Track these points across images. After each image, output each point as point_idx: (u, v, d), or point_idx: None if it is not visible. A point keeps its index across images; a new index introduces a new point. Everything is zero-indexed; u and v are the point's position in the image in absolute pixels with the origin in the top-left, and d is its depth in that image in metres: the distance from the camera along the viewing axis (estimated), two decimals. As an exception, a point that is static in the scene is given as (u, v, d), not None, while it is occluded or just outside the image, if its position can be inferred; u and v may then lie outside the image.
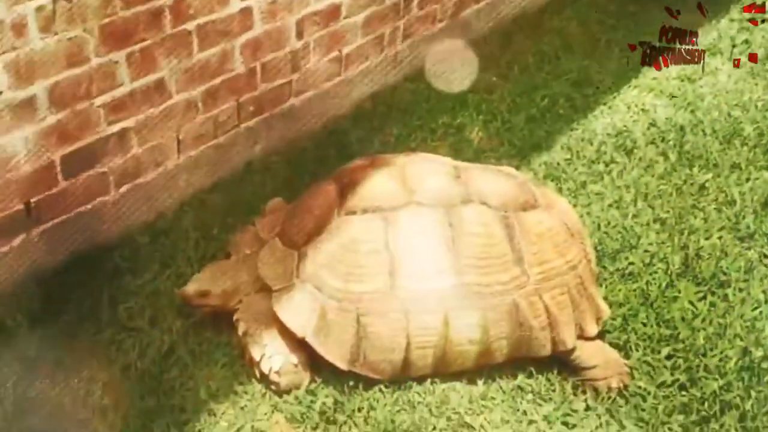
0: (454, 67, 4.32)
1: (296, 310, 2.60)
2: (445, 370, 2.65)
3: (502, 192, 2.76)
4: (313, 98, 3.81)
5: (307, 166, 3.67)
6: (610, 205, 3.55)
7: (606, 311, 2.80)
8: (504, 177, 2.87)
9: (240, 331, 2.69)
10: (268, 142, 3.67)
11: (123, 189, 3.13)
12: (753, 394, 2.68)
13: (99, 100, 2.89)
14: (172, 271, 3.06)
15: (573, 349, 2.68)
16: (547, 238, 2.69)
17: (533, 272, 2.63)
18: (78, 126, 2.87)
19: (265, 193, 3.49)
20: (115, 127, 2.99)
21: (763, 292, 3.11)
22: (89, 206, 3.04)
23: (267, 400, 2.63)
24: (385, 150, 3.81)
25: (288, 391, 2.63)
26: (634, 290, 3.08)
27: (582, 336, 2.70)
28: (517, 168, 3.78)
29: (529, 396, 2.67)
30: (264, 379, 2.63)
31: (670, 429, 2.59)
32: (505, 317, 2.59)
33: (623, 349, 2.85)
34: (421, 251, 2.58)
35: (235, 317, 2.73)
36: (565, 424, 2.59)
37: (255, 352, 2.63)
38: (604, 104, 4.31)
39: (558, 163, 3.82)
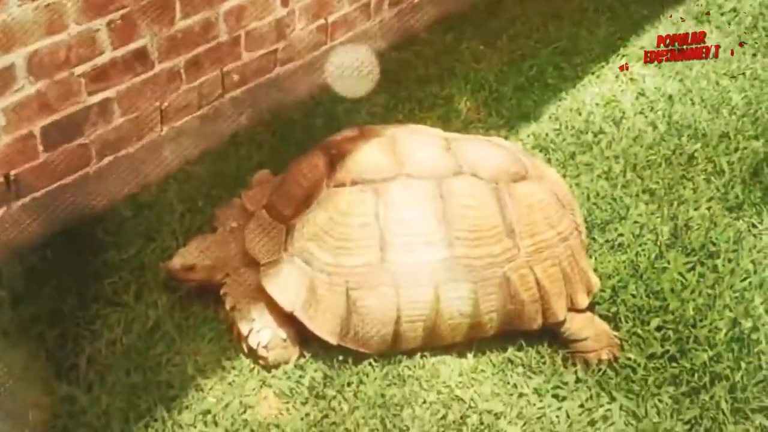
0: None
1: (285, 285, 2.57)
2: (435, 343, 2.63)
3: (493, 163, 2.72)
4: (299, 68, 3.74)
5: (293, 137, 3.62)
6: (599, 176, 3.52)
7: (596, 283, 2.78)
8: (494, 148, 2.83)
9: (227, 306, 2.65)
10: (254, 112, 3.61)
11: (105, 161, 3.07)
12: (743, 365, 2.67)
13: (79, 69, 2.82)
14: (157, 244, 3.01)
15: (563, 322, 2.66)
16: (538, 209, 2.66)
17: (524, 244, 2.60)
18: (58, 96, 2.80)
19: (251, 164, 3.44)
20: (97, 98, 2.93)
21: (752, 262, 3.10)
22: (71, 179, 2.98)
23: (255, 375, 2.60)
24: (373, 120, 3.76)
25: (276, 366, 2.60)
26: (624, 261, 3.06)
27: (573, 308, 2.68)
28: (506, 139, 3.74)
29: (519, 369, 2.65)
30: (252, 354, 2.60)
31: (660, 401, 2.58)
32: (496, 290, 2.57)
33: (613, 320, 2.83)
34: (412, 224, 2.55)
35: (222, 291, 2.69)
36: (555, 396, 2.57)
37: (243, 327, 2.59)
38: (593, 73, 4.26)
39: (546, 134, 3.78)
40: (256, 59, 3.50)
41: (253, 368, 2.62)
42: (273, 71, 3.63)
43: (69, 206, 3.00)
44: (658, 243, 3.16)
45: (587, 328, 2.68)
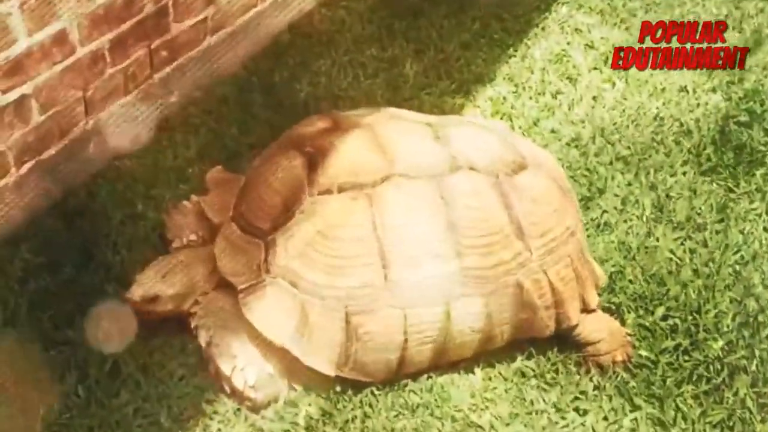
0: None
1: (270, 313, 2.22)
2: (442, 362, 2.36)
3: (488, 152, 2.43)
4: (229, 35, 3.30)
5: (232, 117, 3.22)
6: (568, 144, 3.28)
7: (602, 276, 2.56)
8: (485, 133, 2.53)
9: (202, 342, 2.28)
10: (184, 91, 3.16)
11: (25, 168, 2.59)
12: (756, 352, 2.53)
13: (-11, 65, 2.32)
14: (97, 262, 2.59)
15: (576, 325, 2.43)
16: (544, 203, 2.39)
17: (535, 245, 2.34)
18: (-36, 99, 2.30)
19: (189, 154, 3.05)
20: (11, 95, 2.44)
21: (741, 232, 2.95)
22: (-15, 194, 2.49)
23: (242, 419, 2.25)
24: (316, 91, 3.43)
25: (266, 406, 2.27)
26: (613, 242, 2.86)
27: (584, 309, 2.45)
28: (462, 106, 3.46)
29: (533, 381, 2.42)
30: (236, 395, 2.25)
31: (683, 402, 2.40)
32: (509, 300, 2.30)
33: (616, 312, 2.63)
34: (415, 234, 2.23)
35: (193, 324, 2.31)
36: (576, 410, 2.36)
37: (224, 366, 2.23)
38: (537, 25, 3.98)
39: (504, 98, 3.51)
40: (185, 31, 3.04)
41: (239, 410, 2.27)
42: (203, 42, 3.18)
43: (-15, 226, 2.52)
44: (644, 218, 2.98)
45: (600, 330, 2.47)
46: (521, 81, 3.62)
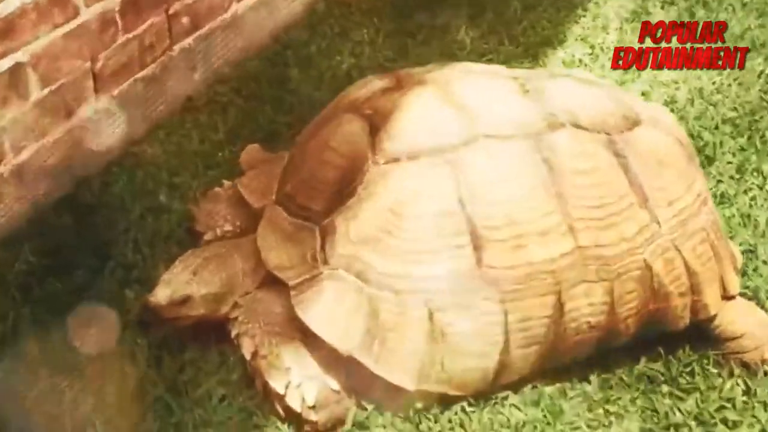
0: None
1: (331, 313, 1.76)
2: (550, 366, 1.87)
3: (594, 106, 1.96)
4: (259, 3, 2.89)
5: (265, 94, 2.84)
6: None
7: (739, 257, 2.08)
8: (585, 84, 2.06)
9: (246, 354, 1.82)
10: (210, 66, 2.75)
11: (24, 154, 2.17)
12: None
13: (-27, 25, 1.91)
14: (116, 262, 2.18)
15: (715, 315, 1.93)
16: (669, 164, 1.93)
17: (664, 216, 1.86)
18: (-55, 67, 1.89)
19: (217, 137, 2.69)
20: (3, 63, 2.03)
21: None
22: (-24, 187, 2.07)
23: (302, 449, 1.79)
24: (359, 62, 3.01)
25: (330, 430, 1.79)
26: (735, 217, 2.42)
27: (723, 295, 1.96)
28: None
29: (664, 388, 1.93)
30: (292, 417, 1.78)
31: None
32: (635, 286, 1.83)
33: (754, 298, 2.15)
34: (514, 207, 1.76)
35: (234, 331, 1.85)
36: (725, 422, 1.86)
37: (275, 382, 1.77)
38: (608, -20, 3.52)
39: (579, 60, 3.09)
40: (209, -6, 2.61)
41: (297, 438, 1.80)
42: (229, 9, 2.76)
43: (-21, 225, 2.09)
44: (767, 187, 2.49)
45: (743, 321, 1.99)
46: (597, 42, 3.21)
